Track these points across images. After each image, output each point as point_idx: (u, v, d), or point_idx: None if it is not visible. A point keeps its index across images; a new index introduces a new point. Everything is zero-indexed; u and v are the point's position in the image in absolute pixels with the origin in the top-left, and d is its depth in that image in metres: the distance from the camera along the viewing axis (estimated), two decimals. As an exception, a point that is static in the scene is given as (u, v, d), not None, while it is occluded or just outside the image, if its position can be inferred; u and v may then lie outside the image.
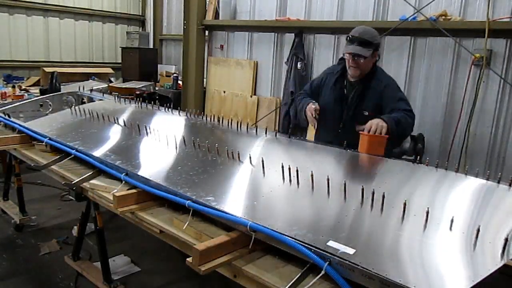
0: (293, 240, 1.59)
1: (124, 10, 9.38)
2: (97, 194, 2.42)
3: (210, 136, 3.02)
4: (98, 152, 2.69)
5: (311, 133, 5.88)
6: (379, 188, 1.89)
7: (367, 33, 2.83)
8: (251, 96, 6.44)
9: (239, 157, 2.40)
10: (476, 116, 4.50)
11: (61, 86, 5.04)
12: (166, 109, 3.61)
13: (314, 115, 2.90)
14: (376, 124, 2.56)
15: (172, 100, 6.71)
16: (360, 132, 2.59)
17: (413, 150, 4.52)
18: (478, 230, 1.53)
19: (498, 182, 1.97)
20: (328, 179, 1.98)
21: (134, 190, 2.22)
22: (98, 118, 3.35)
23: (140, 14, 9.71)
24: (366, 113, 2.84)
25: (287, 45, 6.04)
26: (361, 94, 2.90)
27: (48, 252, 3.76)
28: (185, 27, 6.78)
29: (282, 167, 2.16)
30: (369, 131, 2.55)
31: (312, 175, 2.03)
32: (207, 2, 6.93)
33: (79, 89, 4.56)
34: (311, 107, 2.90)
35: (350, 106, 2.93)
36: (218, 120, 3.26)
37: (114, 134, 3.07)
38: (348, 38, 2.89)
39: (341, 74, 3.01)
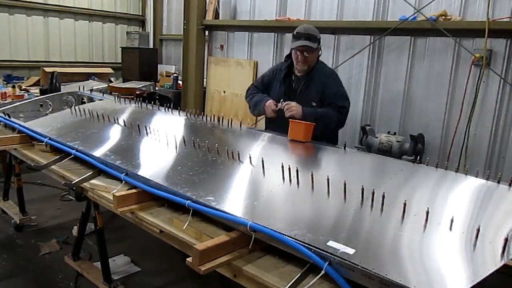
0: (293, 240, 1.59)
1: (124, 10, 9.37)
2: (97, 194, 2.42)
3: (210, 136, 3.02)
4: (98, 152, 2.69)
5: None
6: (379, 188, 1.89)
7: (310, 29, 3.16)
8: (251, 96, 6.43)
9: (239, 157, 2.40)
10: (476, 116, 4.50)
11: (61, 86, 5.04)
12: (166, 109, 3.61)
13: (274, 109, 3.11)
14: (293, 106, 2.97)
15: (172, 100, 6.70)
16: (290, 120, 2.83)
17: (413, 150, 4.52)
18: (478, 230, 1.53)
19: (498, 182, 1.97)
20: (328, 179, 1.98)
21: (134, 190, 2.22)
22: (98, 118, 3.35)
23: (140, 14, 9.71)
24: (314, 104, 3.12)
25: (287, 45, 6.04)
26: (307, 86, 3.19)
27: (48, 252, 3.76)
28: (185, 27, 6.78)
29: (282, 167, 2.16)
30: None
31: (312, 175, 2.03)
32: (207, 2, 6.92)
33: (79, 89, 4.56)
34: (271, 103, 3.13)
35: (298, 99, 3.16)
36: (218, 120, 3.26)
37: (114, 134, 3.07)
38: (294, 35, 3.16)
39: (288, 70, 3.29)
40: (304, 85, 3.19)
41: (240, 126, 3.10)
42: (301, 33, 3.09)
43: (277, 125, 3.11)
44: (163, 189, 2.14)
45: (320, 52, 3.25)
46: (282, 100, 3.08)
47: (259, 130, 3.02)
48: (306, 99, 3.13)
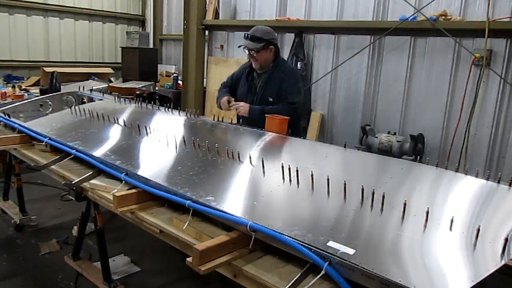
0: (293, 240, 1.59)
1: (124, 10, 9.37)
2: (97, 194, 2.42)
3: (210, 136, 3.02)
4: (98, 152, 2.69)
5: (311, 133, 5.88)
6: (379, 188, 1.89)
7: (257, 31, 3.38)
8: (251, 96, 6.43)
9: (239, 157, 2.39)
10: (476, 116, 4.50)
11: (61, 86, 5.03)
12: (166, 109, 3.61)
13: (227, 106, 3.46)
14: (240, 105, 3.33)
15: (172, 100, 6.70)
16: (266, 115, 3.02)
17: (413, 150, 4.52)
18: (478, 230, 1.53)
19: (498, 182, 1.97)
20: (328, 179, 1.98)
21: (134, 190, 2.22)
22: (98, 118, 3.35)
23: (140, 14, 9.71)
24: (271, 99, 3.36)
25: (287, 45, 6.04)
26: (265, 83, 3.42)
27: (48, 252, 3.76)
28: (185, 27, 6.78)
29: (282, 167, 2.15)
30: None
31: (312, 175, 2.03)
32: (207, 2, 6.93)
33: (79, 89, 4.56)
34: (224, 101, 3.48)
35: (258, 94, 3.45)
36: (218, 120, 3.26)
37: (114, 134, 3.07)
38: (244, 36, 3.44)
39: (251, 68, 3.52)
40: (263, 82, 3.44)
41: (240, 126, 3.10)
42: (246, 34, 3.39)
43: (247, 120, 3.35)
44: (163, 189, 2.14)
45: (271, 51, 3.39)
46: (233, 99, 3.46)
47: (258, 129, 3.02)
48: (264, 95, 3.41)
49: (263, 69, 3.44)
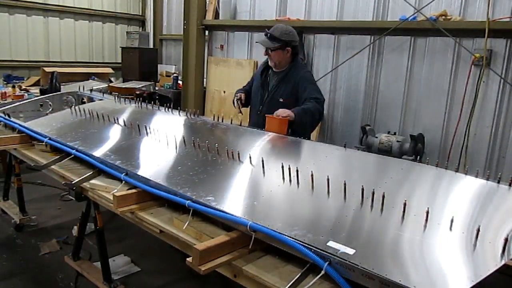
0: (293, 240, 1.59)
1: (124, 10, 9.37)
2: (97, 194, 2.42)
3: (210, 136, 3.02)
4: (98, 152, 2.69)
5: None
6: (379, 187, 1.89)
7: (276, 30, 3.37)
8: (251, 96, 6.43)
9: (239, 157, 2.39)
10: (476, 116, 4.50)
11: (61, 86, 5.04)
12: (166, 109, 3.61)
13: (238, 104, 3.51)
14: (283, 111, 3.07)
15: (172, 100, 6.70)
16: (266, 115, 3.08)
17: (413, 150, 4.52)
18: (478, 230, 1.53)
19: (498, 182, 1.97)
20: (328, 179, 1.98)
21: (134, 190, 2.22)
22: (98, 118, 3.35)
23: (140, 14, 9.71)
24: (281, 100, 3.35)
25: (287, 45, 6.03)
26: (280, 82, 3.42)
27: (48, 252, 3.76)
28: (185, 27, 6.78)
29: (282, 167, 2.16)
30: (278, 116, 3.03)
31: (312, 175, 2.03)
32: (207, 2, 6.92)
33: (79, 89, 4.56)
34: (237, 96, 3.51)
35: (269, 92, 3.46)
36: (218, 120, 3.26)
37: (114, 134, 3.07)
38: (264, 33, 3.43)
39: (267, 65, 3.53)
40: (277, 81, 3.45)
41: (240, 126, 3.09)
42: (266, 32, 3.39)
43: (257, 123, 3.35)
44: (163, 189, 2.14)
45: (288, 52, 3.38)
46: (260, 107, 3.45)
47: (259, 129, 3.02)
48: (275, 93, 3.42)
49: (278, 68, 3.44)
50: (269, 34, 3.35)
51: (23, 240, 3.97)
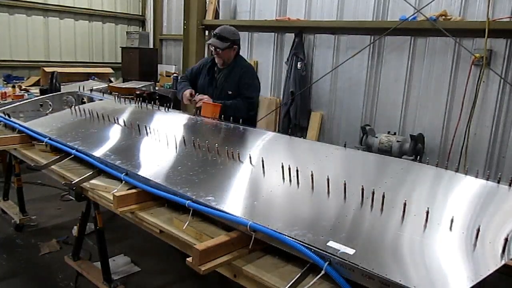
0: (293, 240, 1.59)
1: (124, 10, 9.37)
2: (97, 194, 2.42)
3: (210, 136, 3.02)
4: (98, 152, 2.69)
5: (311, 133, 5.88)
6: (379, 187, 1.89)
7: (224, 30, 3.63)
8: (251, 96, 6.42)
9: (239, 157, 2.39)
10: (476, 116, 4.50)
11: (61, 86, 5.03)
12: (166, 109, 3.61)
13: (189, 99, 3.65)
14: (204, 98, 3.49)
15: (172, 100, 6.70)
16: (203, 102, 3.44)
17: (413, 150, 4.52)
18: (478, 230, 1.53)
19: (498, 182, 1.97)
20: (328, 179, 1.98)
21: (134, 190, 2.22)
22: (98, 118, 3.35)
23: (140, 14, 9.71)
24: (230, 92, 3.63)
25: (287, 45, 6.05)
26: (226, 77, 3.69)
27: (48, 252, 3.76)
28: (185, 27, 6.79)
29: (282, 167, 2.15)
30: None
31: (312, 175, 2.03)
32: (207, 2, 6.93)
33: (79, 89, 4.56)
34: (186, 93, 3.65)
35: (218, 87, 3.72)
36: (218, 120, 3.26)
37: (114, 134, 3.07)
38: (212, 34, 3.69)
39: (212, 64, 3.79)
40: (224, 76, 3.71)
41: (240, 126, 3.09)
42: (216, 33, 3.63)
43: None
44: (163, 189, 2.13)
45: (235, 50, 3.67)
46: (197, 93, 3.67)
47: (258, 129, 3.03)
48: (224, 88, 3.68)
49: (225, 65, 3.70)
50: (218, 35, 3.59)
51: (23, 240, 3.97)
